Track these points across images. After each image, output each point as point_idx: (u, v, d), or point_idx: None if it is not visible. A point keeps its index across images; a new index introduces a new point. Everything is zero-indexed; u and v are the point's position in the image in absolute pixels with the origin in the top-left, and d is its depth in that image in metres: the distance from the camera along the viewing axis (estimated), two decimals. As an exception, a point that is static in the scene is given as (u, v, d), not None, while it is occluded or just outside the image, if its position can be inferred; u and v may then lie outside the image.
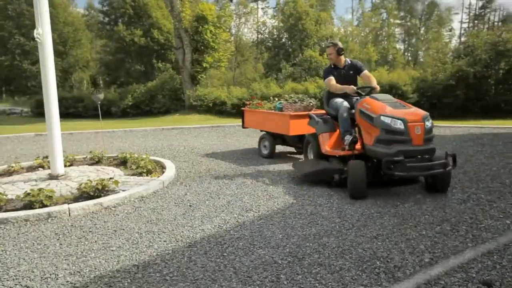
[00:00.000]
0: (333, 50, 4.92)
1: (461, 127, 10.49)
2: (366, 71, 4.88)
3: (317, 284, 2.31)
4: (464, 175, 4.83)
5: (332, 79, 4.86)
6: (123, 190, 4.32)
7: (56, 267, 2.63)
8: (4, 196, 3.92)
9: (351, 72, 4.91)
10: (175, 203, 4.05)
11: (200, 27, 16.69)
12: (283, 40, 28.76)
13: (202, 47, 17.19)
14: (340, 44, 4.99)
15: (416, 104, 14.03)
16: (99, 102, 6.45)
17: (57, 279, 2.47)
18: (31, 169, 5.73)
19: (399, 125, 3.73)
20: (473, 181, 4.51)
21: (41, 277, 2.49)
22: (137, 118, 16.98)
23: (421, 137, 3.73)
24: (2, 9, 34.16)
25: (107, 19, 34.70)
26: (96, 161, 6.10)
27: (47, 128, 4.91)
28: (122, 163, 5.92)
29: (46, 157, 6.03)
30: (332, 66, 5.02)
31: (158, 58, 31.88)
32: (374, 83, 4.64)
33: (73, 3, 45.68)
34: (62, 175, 4.95)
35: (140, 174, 5.13)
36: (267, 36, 31.15)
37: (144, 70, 32.72)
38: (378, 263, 2.56)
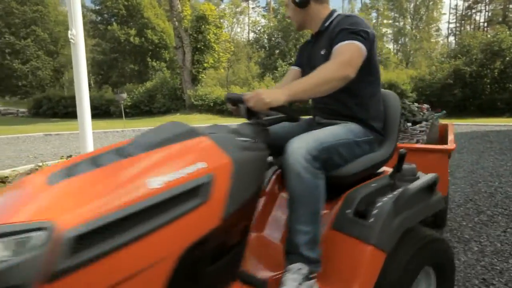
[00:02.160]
0: None
1: (464, 125, 10.84)
2: (338, 45, 1.46)
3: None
4: (483, 170, 5.07)
5: (289, 72, 1.89)
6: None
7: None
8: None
9: (323, 51, 1.61)
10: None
11: (202, 26, 16.80)
12: (278, 39, 28.98)
13: (203, 47, 17.30)
14: None
15: (415, 103, 14.46)
16: (122, 102, 6.52)
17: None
18: (56, 168, 5.77)
19: None
20: (494, 175, 4.75)
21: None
22: (137, 118, 16.97)
23: None
24: (-9, 7, 33.62)
25: (99, 18, 34.40)
26: (120, 160, 6.16)
27: (79, 128, 4.98)
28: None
29: (70, 156, 6.09)
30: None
31: (152, 57, 31.82)
32: (318, 73, 1.38)
33: (62, 2, 45.23)
34: (93, 174, 5.03)
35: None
36: (261, 35, 31.35)
37: (138, 70, 32.61)
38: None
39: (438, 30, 46.47)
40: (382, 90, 1.74)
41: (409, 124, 2.83)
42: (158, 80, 20.53)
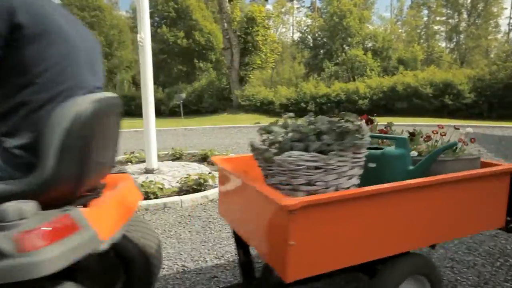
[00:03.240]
0: None
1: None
2: None
3: (458, 278, 2.40)
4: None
5: None
6: (221, 184, 4.56)
7: (199, 251, 2.88)
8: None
9: None
10: (274, 197, 4.25)
11: (250, 28, 17.08)
12: (324, 39, 28.64)
13: (251, 48, 17.55)
14: None
15: (474, 104, 13.63)
16: (181, 101, 6.83)
17: (206, 261, 2.71)
18: (120, 163, 6.15)
19: None
20: None
21: (191, 259, 2.74)
22: (186, 117, 17.50)
23: None
24: (55, 13, 36.38)
25: (151, 21, 35.94)
26: (178, 157, 6.45)
27: (144, 126, 5.28)
28: (202, 159, 6.22)
29: (133, 152, 6.46)
30: None
31: (199, 59, 32.70)
32: None
33: (116, 6, 47.87)
34: (156, 169, 5.30)
35: (227, 170, 5.37)
36: (307, 35, 31.14)
37: (185, 70, 33.66)
38: (511, 260, 2.62)
39: (496, 26, 43.46)
40: (98, 96, 1.27)
41: (293, 153, 1.49)
42: (206, 80, 21.10)
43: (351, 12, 25.43)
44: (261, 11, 17.52)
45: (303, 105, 15.98)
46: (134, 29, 43.58)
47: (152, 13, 35.22)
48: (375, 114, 2.61)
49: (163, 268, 2.61)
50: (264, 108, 17.00)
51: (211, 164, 5.85)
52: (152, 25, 36.25)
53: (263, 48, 17.67)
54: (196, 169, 5.50)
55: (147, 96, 5.19)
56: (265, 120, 14.37)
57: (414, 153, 1.95)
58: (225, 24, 17.40)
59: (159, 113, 20.55)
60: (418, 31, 38.51)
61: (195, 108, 19.60)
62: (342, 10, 24.97)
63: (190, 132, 10.98)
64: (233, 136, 9.88)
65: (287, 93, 16.96)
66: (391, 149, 1.85)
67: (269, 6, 39.32)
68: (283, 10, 44.53)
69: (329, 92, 16.02)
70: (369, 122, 2.18)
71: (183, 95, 7.05)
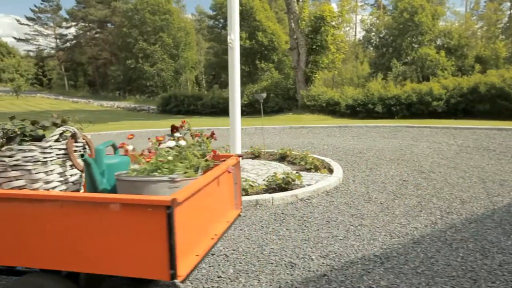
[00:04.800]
0: None
1: None
2: None
3: None
4: None
5: None
6: (308, 185, 4.59)
7: (302, 249, 2.92)
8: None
9: None
10: (364, 199, 4.17)
11: (319, 27, 16.89)
12: (391, 38, 27.39)
13: (317, 47, 17.34)
14: None
15: None
16: (262, 100, 6.99)
17: (312, 259, 2.74)
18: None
19: None
20: None
21: (297, 257, 2.79)
22: (253, 116, 17.78)
23: None
24: (130, 18, 39.20)
25: (215, 23, 37.19)
26: (256, 155, 6.58)
27: (230, 124, 5.45)
28: (281, 158, 6.29)
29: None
30: None
31: (261, 59, 33.12)
32: None
33: (183, 9, 50.17)
34: (240, 167, 5.47)
35: (308, 170, 5.39)
36: (373, 33, 30.02)
37: (248, 71, 34.28)
38: None
39: None
40: None
41: None
42: (272, 80, 21.30)
43: (424, 8, 24.01)
44: (331, 11, 17.24)
45: (370, 106, 15.39)
46: (200, 31, 45.37)
47: (216, 15, 36.39)
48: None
49: (272, 263, 2.69)
50: (329, 109, 16.70)
51: (291, 163, 5.90)
52: (216, 26, 37.46)
53: (331, 47, 17.37)
54: (277, 168, 5.58)
55: (234, 95, 5.37)
56: (330, 121, 14.12)
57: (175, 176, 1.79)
58: (293, 24, 17.37)
59: (224, 112, 21.21)
60: (500, 25, 35.23)
61: (260, 107, 19.88)
62: (414, 6, 23.66)
63: (259, 131, 11.11)
64: (305, 136, 9.86)
65: (353, 94, 16.46)
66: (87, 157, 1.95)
67: (333, 5, 38.59)
68: (347, 8, 43.43)
69: (399, 93, 15.24)
70: (174, 130, 2.27)
71: (264, 95, 7.16)
